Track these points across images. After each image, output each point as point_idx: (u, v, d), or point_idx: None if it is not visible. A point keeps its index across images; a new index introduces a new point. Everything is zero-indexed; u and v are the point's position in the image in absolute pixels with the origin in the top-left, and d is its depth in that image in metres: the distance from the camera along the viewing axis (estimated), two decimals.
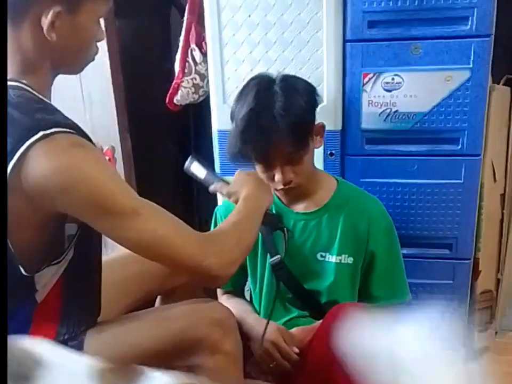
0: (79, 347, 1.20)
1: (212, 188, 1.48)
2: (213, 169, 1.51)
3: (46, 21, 1.05)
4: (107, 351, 1.17)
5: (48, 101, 1.13)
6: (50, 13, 1.04)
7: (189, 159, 1.52)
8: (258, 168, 1.48)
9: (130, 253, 1.54)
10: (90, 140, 1.09)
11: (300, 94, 1.41)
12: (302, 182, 1.48)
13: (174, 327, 1.19)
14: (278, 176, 1.43)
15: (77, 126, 1.07)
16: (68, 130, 1.03)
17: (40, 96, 1.10)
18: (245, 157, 1.43)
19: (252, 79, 1.47)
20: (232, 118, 1.46)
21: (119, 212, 1.05)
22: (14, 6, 1.04)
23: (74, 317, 1.21)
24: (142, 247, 1.11)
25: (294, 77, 1.49)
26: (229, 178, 1.48)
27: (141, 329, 1.21)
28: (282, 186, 1.46)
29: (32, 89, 1.09)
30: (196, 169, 1.50)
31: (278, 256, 1.54)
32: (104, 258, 1.63)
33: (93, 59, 1.20)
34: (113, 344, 1.19)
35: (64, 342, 1.19)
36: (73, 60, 1.17)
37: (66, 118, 1.09)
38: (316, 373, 1.36)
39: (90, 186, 1.03)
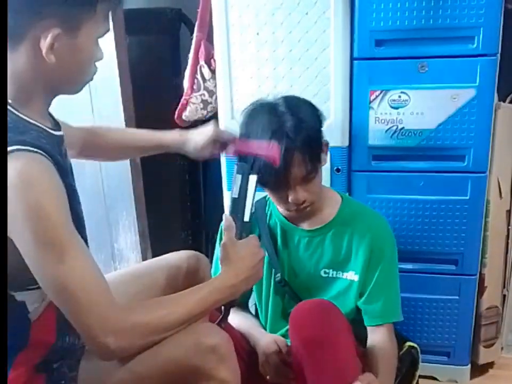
0: (73, 368, 1.21)
1: (227, 217, 1.32)
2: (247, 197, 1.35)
3: (45, 43, 1.03)
4: (99, 379, 1.17)
5: (36, 122, 1.10)
6: (50, 35, 1.03)
7: (242, 165, 1.36)
8: (269, 190, 1.49)
9: (145, 267, 1.59)
10: (60, 163, 1.07)
11: (306, 111, 1.43)
12: (314, 200, 1.48)
13: (167, 354, 1.14)
14: (292, 197, 1.43)
15: (48, 148, 1.04)
16: (31, 149, 1.01)
17: (22, 116, 1.08)
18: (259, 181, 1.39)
19: (255, 104, 1.47)
20: (242, 131, 1.46)
21: (55, 245, 1.01)
22: (13, 30, 1.03)
23: (71, 334, 1.19)
24: (56, 288, 1.04)
25: (295, 97, 1.49)
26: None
27: (133, 356, 1.15)
28: (296, 207, 1.46)
29: (14, 109, 1.07)
30: (237, 182, 1.34)
31: (278, 274, 1.57)
32: (114, 272, 1.66)
33: (92, 79, 1.19)
34: (106, 371, 1.17)
35: (60, 357, 1.20)
36: (72, 81, 1.16)
37: (39, 139, 1.05)
38: (295, 367, 1.40)
39: (32, 211, 0.99)
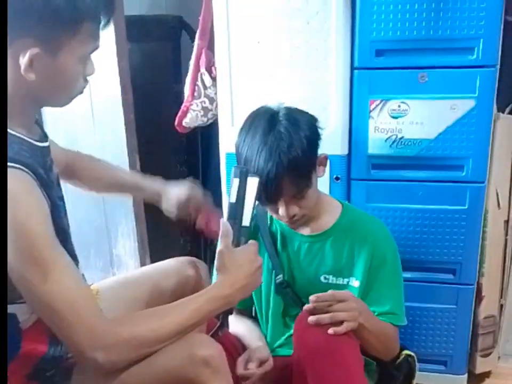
0: (66, 377, 1.20)
1: (224, 223, 1.28)
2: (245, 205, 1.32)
3: (23, 61, 1.01)
4: None
5: (19, 134, 1.08)
6: (27, 54, 1.00)
7: (239, 169, 1.32)
8: (260, 204, 1.49)
9: (141, 272, 1.59)
10: (42, 177, 1.06)
11: (302, 130, 1.41)
12: (306, 213, 1.49)
13: (159, 366, 1.12)
14: (282, 211, 1.44)
15: (30, 162, 1.03)
16: (12, 165, 0.99)
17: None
18: None
19: (256, 114, 1.47)
20: (237, 150, 1.47)
21: (38, 263, 1.00)
22: None
23: (63, 343, 1.17)
24: (42, 306, 1.04)
25: (296, 111, 1.47)
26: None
27: (125, 368, 1.12)
28: (287, 219, 1.48)
29: None
30: (235, 186, 1.30)
31: (280, 276, 1.58)
32: (111, 278, 1.66)
33: (81, 92, 1.15)
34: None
35: (52, 366, 1.20)
36: (56, 97, 1.13)
37: (21, 152, 1.04)
38: (298, 377, 1.39)
39: (13, 229, 0.98)
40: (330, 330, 1.31)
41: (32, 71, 1.02)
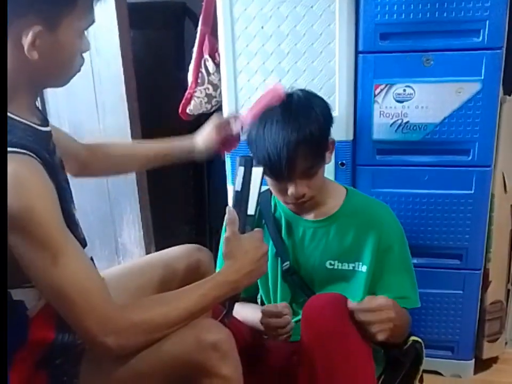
0: (75, 364, 1.20)
1: (230, 210, 1.29)
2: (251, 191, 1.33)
3: (26, 41, 1.02)
4: (102, 376, 1.16)
5: (22, 119, 1.08)
6: (30, 33, 1.01)
7: (244, 158, 1.34)
8: (269, 180, 1.49)
9: (145, 261, 1.59)
10: (48, 161, 1.06)
11: (318, 107, 1.44)
12: (314, 195, 1.49)
13: (168, 352, 1.13)
14: (291, 190, 1.44)
15: (35, 147, 1.03)
16: (18, 150, 0.99)
17: (7, 113, 1.05)
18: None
19: None
20: (251, 129, 1.48)
21: (48, 248, 1.00)
22: None
23: (71, 330, 1.16)
24: (51, 290, 1.04)
25: (310, 92, 1.50)
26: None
27: (134, 353, 1.14)
28: (295, 201, 1.47)
29: None
30: (240, 175, 1.32)
31: (287, 262, 1.58)
32: (116, 267, 1.66)
33: (79, 70, 1.16)
34: (107, 370, 1.16)
35: (61, 354, 1.20)
36: (57, 75, 1.14)
37: (26, 137, 1.04)
38: (305, 362, 1.37)
39: (23, 215, 0.98)
40: None
41: (35, 50, 1.03)
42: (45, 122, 1.18)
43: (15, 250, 1.00)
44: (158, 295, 1.21)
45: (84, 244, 1.18)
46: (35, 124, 1.12)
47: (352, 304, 1.31)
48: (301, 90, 1.49)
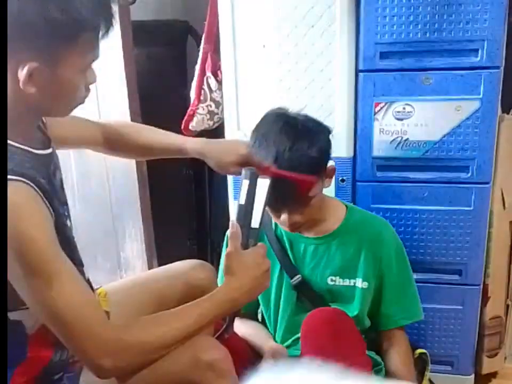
0: (74, 381, 1.21)
1: (233, 224, 1.28)
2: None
3: (21, 75, 0.98)
4: None
5: (20, 145, 1.06)
6: (26, 68, 0.97)
7: (249, 170, 1.31)
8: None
9: (148, 275, 1.59)
10: (44, 187, 1.05)
11: (320, 142, 1.42)
12: (307, 221, 1.49)
13: (165, 370, 1.12)
14: (283, 218, 1.45)
15: (32, 173, 1.03)
16: (13, 178, 0.98)
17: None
18: None
19: (274, 116, 1.46)
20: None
21: (42, 273, 1.00)
22: None
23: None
24: (47, 315, 1.05)
25: (316, 121, 1.47)
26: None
27: (133, 373, 1.13)
28: (289, 228, 1.48)
29: None
30: (244, 188, 1.30)
31: (299, 276, 1.57)
32: (118, 281, 1.66)
33: (83, 102, 1.12)
34: None
35: (60, 369, 1.20)
36: (57, 108, 1.11)
37: (23, 163, 1.04)
38: None
39: (16, 241, 0.97)
40: None
41: (32, 85, 1.00)
42: (47, 143, 1.18)
43: (10, 275, 1.00)
44: (155, 315, 1.19)
45: (81, 266, 1.18)
46: (34, 148, 1.10)
47: None
48: (302, 119, 1.45)
